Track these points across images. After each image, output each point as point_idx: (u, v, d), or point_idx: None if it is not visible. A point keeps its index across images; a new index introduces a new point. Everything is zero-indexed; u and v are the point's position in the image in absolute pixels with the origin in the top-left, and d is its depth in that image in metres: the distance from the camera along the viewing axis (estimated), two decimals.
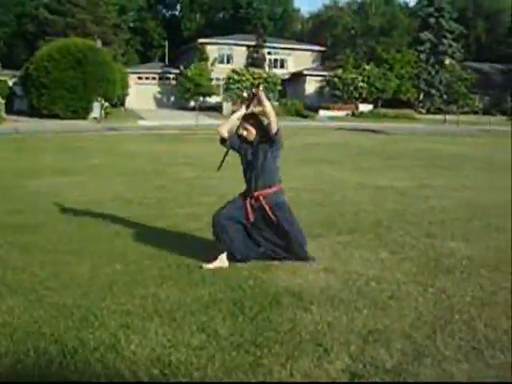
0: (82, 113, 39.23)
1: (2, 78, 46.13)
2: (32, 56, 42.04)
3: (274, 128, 5.39)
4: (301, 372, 3.43)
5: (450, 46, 58.44)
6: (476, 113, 55.05)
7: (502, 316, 4.34)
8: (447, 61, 57.97)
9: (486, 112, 55.62)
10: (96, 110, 39.36)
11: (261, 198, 5.49)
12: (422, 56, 57.04)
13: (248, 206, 5.47)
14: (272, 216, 5.47)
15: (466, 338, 3.93)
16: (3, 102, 38.23)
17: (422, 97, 57.51)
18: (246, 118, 5.54)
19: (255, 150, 5.53)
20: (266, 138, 5.47)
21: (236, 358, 3.57)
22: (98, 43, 46.56)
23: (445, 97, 55.86)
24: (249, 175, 5.57)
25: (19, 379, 3.34)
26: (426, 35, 57.87)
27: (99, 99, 39.32)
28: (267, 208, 5.47)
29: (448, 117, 49.28)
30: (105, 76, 39.50)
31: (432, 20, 58.01)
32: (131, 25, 70.99)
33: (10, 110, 40.46)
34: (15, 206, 8.68)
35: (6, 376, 3.36)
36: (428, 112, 56.12)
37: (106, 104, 40.44)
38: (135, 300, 4.56)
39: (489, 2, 77.57)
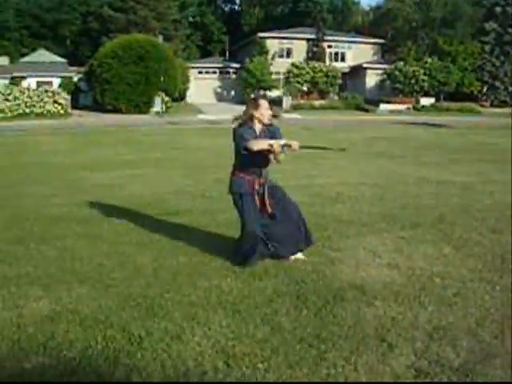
0: (144, 107, 39.98)
1: (68, 75, 47.53)
2: (96, 53, 43.07)
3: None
4: (365, 367, 3.41)
5: None
6: None
7: None
8: None
9: None
10: (157, 105, 40.00)
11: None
12: (487, 47, 55.35)
13: (257, 199, 5.32)
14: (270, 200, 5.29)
15: None
16: (69, 97, 39.33)
17: (485, 89, 55.89)
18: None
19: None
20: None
21: (300, 352, 3.58)
22: (160, 39, 47.28)
23: (510, 89, 54.09)
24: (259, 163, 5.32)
25: (89, 366, 3.44)
26: (490, 25, 56.04)
27: (160, 94, 39.92)
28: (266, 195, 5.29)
29: None
30: (166, 71, 40.09)
31: (498, 9, 56.09)
32: (191, 20, 71.71)
33: (75, 105, 41.65)
34: (79, 198, 8.92)
35: (78, 362, 3.47)
36: (492, 105, 54.47)
37: (167, 98, 41.02)
38: (199, 292, 4.62)
39: None
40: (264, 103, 5.29)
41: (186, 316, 4.14)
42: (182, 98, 50.77)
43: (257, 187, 5.28)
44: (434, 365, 3.45)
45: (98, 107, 40.37)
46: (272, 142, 5.03)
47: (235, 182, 5.39)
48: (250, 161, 5.22)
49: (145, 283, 4.83)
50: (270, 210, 5.27)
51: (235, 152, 5.33)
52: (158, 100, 40.05)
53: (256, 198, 5.30)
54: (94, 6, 63.81)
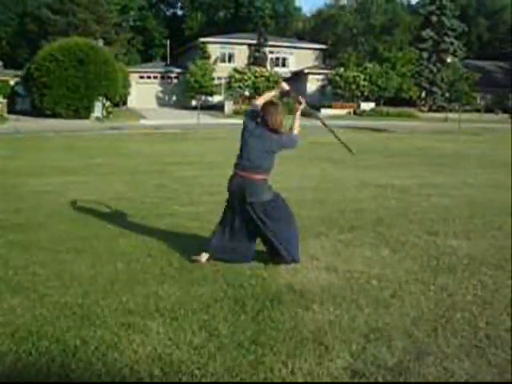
0: (84, 112, 39.23)
1: (4, 78, 46.23)
2: (34, 55, 42.06)
3: (294, 132, 5.55)
4: (302, 370, 3.43)
5: (452, 43, 58.30)
6: (478, 111, 54.98)
7: (503, 314, 4.34)
8: (449, 59, 57.82)
9: (488, 110, 55.63)
10: (98, 110, 39.37)
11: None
12: (424, 54, 56.95)
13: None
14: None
15: (467, 337, 3.93)
16: (5, 101, 38.27)
17: (423, 95, 57.41)
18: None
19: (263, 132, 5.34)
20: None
21: (237, 357, 3.58)
22: (100, 42, 46.58)
23: (447, 95, 55.73)
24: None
25: (20, 378, 3.34)
26: (427, 33, 57.73)
27: (101, 98, 39.33)
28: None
29: (450, 115, 49.22)
30: (106, 75, 39.49)
31: (434, 18, 57.86)
32: (132, 24, 71.04)
33: (12, 109, 40.52)
34: (16, 204, 8.67)
35: (8, 375, 3.36)
36: (430, 110, 56.02)
37: (108, 103, 40.45)
38: (137, 299, 4.56)
39: (491, 0, 77.38)
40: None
41: (122, 324, 4.07)
42: (124, 103, 50.19)
43: None
44: (369, 365, 3.50)
45: (37, 112, 39.35)
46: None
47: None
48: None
49: (81, 291, 4.73)
50: None
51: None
52: (98, 105, 39.39)
53: None
54: (31, 7, 62.26)
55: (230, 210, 5.51)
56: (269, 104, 5.40)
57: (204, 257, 5.47)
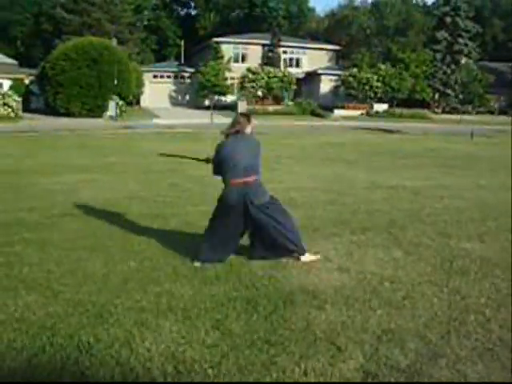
0: (98, 111, 39.42)
1: (19, 77, 46.50)
2: (48, 55, 42.30)
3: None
4: (315, 371, 3.44)
5: (466, 45, 57.97)
6: (492, 113, 54.69)
7: None
8: (463, 60, 57.54)
9: (501, 112, 55.30)
10: (111, 109, 39.53)
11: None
12: (438, 55, 56.70)
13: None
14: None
15: (480, 339, 3.92)
16: (20, 100, 38.53)
17: (437, 96, 57.15)
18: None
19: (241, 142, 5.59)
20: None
21: (249, 356, 3.59)
22: (114, 42, 46.70)
23: (460, 96, 55.47)
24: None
25: (35, 374, 3.37)
26: (441, 34, 57.46)
27: (114, 97, 39.49)
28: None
29: (464, 117, 49.00)
30: (120, 74, 39.66)
31: (448, 19, 57.57)
32: (146, 23, 71.19)
33: (26, 108, 40.81)
34: (30, 203, 8.73)
35: (23, 371, 3.39)
36: (443, 112, 55.77)
37: (121, 102, 40.60)
38: (149, 297, 4.59)
39: (506, 0, 76.85)
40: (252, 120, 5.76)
41: (135, 322, 4.10)
42: (137, 102, 50.34)
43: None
44: (382, 366, 3.50)
45: (51, 111, 39.57)
46: None
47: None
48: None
49: (95, 289, 4.76)
50: None
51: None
52: (112, 104, 39.53)
53: None
54: (46, 7, 62.55)
55: (223, 223, 5.55)
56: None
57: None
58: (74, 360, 3.52)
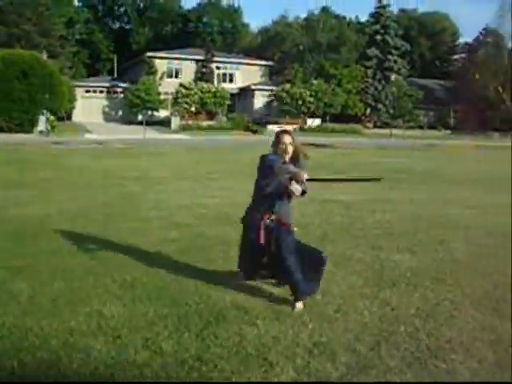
0: (27, 126, 38.38)
1: None
2: None
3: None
4: None
5: (396, 62, 59.94)
6: (421, 127, 56.55)
7: (444, 326, 4.44)
8: (393, 76, 59.36)
9: (430, 126, 57.28)
10: (42, 123, 38.60)
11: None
12: (370, 71, 58.27)
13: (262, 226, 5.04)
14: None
15: (409, 349, 4.00)
16: None
17: (369, 111, 58.60)
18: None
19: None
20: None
21: (181, 375, 3.54)
22: (44, 55, 45.75)
23: (391, 111, 57.09)
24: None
25: None
26: (372, 51, 59.23)
27: (45, 112, 38.59)
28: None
29: (394, 131, 50.41)
30: (51, 89, 38.78)
31: (379, 37, 59.47)
32: (78, 37, 70.06)
33: None
34: None
35: None
36: (375, 126, 57.23)
37: (52, 117, 39.72)
38: (79, 317, 4.46)
39: (432, 22, 79.92)
40: (286, 138, 5.03)
41: (64, 344, 3.97)
42: (68, 117, 49.37)
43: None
44: (313, 380, 3.52)
45: None
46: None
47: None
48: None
49: (20, 311, 4.58)
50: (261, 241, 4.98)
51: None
52: (42, 118, 38.63)
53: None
54: None
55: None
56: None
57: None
58: None
